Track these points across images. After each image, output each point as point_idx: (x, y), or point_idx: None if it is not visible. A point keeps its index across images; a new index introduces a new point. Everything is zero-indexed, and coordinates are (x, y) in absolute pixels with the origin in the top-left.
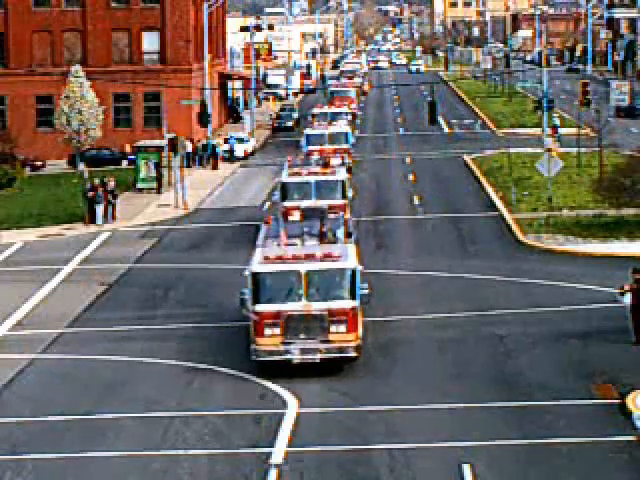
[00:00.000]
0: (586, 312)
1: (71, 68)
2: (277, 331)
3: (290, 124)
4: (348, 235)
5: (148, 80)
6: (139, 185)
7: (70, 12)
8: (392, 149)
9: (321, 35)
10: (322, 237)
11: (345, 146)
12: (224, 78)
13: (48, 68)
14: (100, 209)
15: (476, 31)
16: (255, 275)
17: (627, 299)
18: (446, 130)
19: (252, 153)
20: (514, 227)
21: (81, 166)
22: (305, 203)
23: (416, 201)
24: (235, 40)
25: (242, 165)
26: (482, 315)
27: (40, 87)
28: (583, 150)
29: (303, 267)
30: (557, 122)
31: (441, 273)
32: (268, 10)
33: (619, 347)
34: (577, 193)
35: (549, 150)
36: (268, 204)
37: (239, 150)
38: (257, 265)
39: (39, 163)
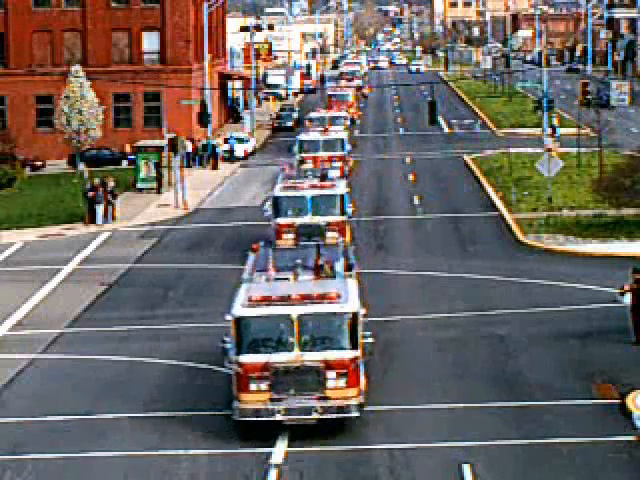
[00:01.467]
0: (586, 312)
1: (71, 68)
2: (264, 386)
3: (290, 124)
4: (348, 268)
5: (148, 80)
6: (139, 185)
7: (70, 12)
8: (392, 149)
9: (321, 35)
10: (318, 271)
11: (340, 153)
12: (224, 78)
13: (48, 68)
14: (100, 209)
15: (476, 31)
16: (238, 320)
17: (627, 299)
18: (446, 130)
19: (252, 153)
20: (514, 227)
21: (81, 166)
22: (300, 220)
23: (416, 201)
24: (235, 40)
25: (242, 165)
26: (482, 315)
27: (40, 87)
28: (583, 150)
29: (295, 310)
30: (555, 122)
31: (441, 273)
32: (268, 10)
33: (619, 347)
34: (577, 193)
35: (549, 150)
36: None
37: (239, 150)
38: (240, 308)
39: (39, 163)
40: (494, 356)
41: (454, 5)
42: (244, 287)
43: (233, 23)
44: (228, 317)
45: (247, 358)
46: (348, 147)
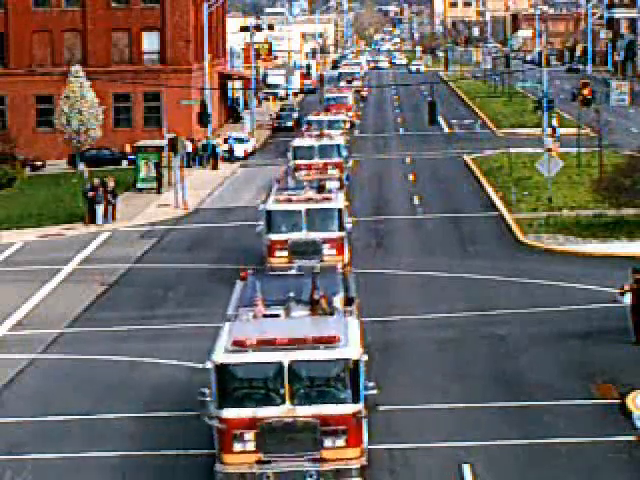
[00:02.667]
0: (586, 312)
1: (71, 68)
2: (250, 446)
3: (290, 124)
4: (348, 301)
5: (148, 80)
6: (139, 185)
7: (70, 12)
8: (392, 149)
9: (321, 35)
10: (313, 305)
11: (337, 160)
12: (224, 78)
13: (48, 68)
14: (100, 209)
15: (476, 31)
16: (220, 368)
17: (627, 299)
18: (446, 130)
19: (252, 153)
20: (514, 227)
21: (81, 166)
22: (294, 236)
23: (416, 201)
24: (235, 40)
25: (242, 165)
26: (482, 315)
27: (40, 87)
28: (583, 150)
29: (286, 357)
30: (554, 122)
31: (441, 273)
32: (268, 10)
33: (619, 347)
34: (577, 193)
35: (549, 150)
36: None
37: (239, 150)
38: (222, 354)
39: (39, 163)
40: (494, 356)
41: (454, 5)
42: (228, 326)
43: (233, 23)
44: (208, 364)
45: (230, 412)
46: (345, 153)
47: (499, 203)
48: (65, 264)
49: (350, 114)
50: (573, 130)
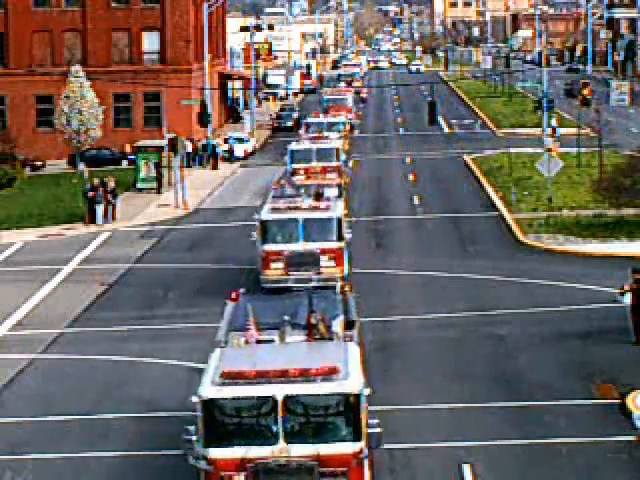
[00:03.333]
0: (586, 312)
1: (71, 68)
2: None
3: (290, 124)
4: (348, 325)
5: (148, 80)
6: (139, 185)
7: (70, 12)
8: (392, 149)
9: (321, 35)
10: (310, 330)
11: (335, 164)
12: (224, 78)
13: (48, 68)
14: (100, 209)
15: (476, 31)
16: (207, 404)
17: (627, 299)
18: (446, 130)
19: (252, 153)
20: (514, 227)
21: (81, 166)
22: (290, 247)
23: (416, 201)
24: (235, 40)
25: (242, 165)
26: (482, 315)
27: (40, 87)
28: (583, 150)
29: (280, 391)
30: (554, 122)
31: (441, 273)
32: (268, 10)
33: (619, 347)
34: (577, 193)
35: (549, 150)
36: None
37: (239, 150)
38: (210, 387)
39: (39, 163)
40: (494, 356)
41: (454, 5)
42: (217, 354)
43: (233, 23)
44: (194, 398)
45: (218, 452)
46: (344, 156)
47: (499, 203)
48: (65, 264)
49: (350, 116)
50: (573, 130)
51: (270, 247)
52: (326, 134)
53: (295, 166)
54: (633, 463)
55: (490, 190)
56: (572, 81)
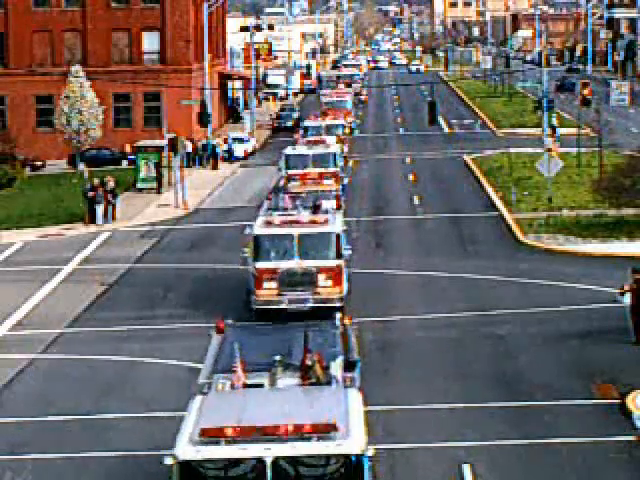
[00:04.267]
0: (586, 312)
1: (71, 68)
2: None
3: (290, 124)
4: (350, 366)
5: (148, 80)
6: (139, 185)
7: (70, 12)
8: (392, 149)
9: (321, 35)
10: (305, 373)
11: (333, 169)
12: (224, 78)
13: (48, 68)
14: (100, 209)
15: (476, 31)
16: (184, 466)
17: (627, 299)
18: (446, 130)
19: (252, 153)
20: (514, 227)
21: (81, 166)
22: (285, 264)
23: (416, 201)
24: (235, 40)
25: (242, 165)
26: (482, 315)
27: (40, 87)
28: (583, 150)
29: (269, 452)
30: (554, 122)
31: (441, 273)
32: (268, 10)
33: (619, 347)
34: (577, 193)
35: (549, 150)
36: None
37: (239, 150)
38: (187, 447)
39: (39, 163)
40: (494, 356)
41: (454, 5)
42: (197, 404)
43: (233, 23)
44: (167, 460)
45: None
46: (341, 162)
47: (499, 203)
48: (65, 264)
49: (349, 119)
50: (573, 130)
51: (263, 265)
52: (325, 137)
53: (290, 172)
54: (633, 463)
55: (490, 190)
56: (563, 77)
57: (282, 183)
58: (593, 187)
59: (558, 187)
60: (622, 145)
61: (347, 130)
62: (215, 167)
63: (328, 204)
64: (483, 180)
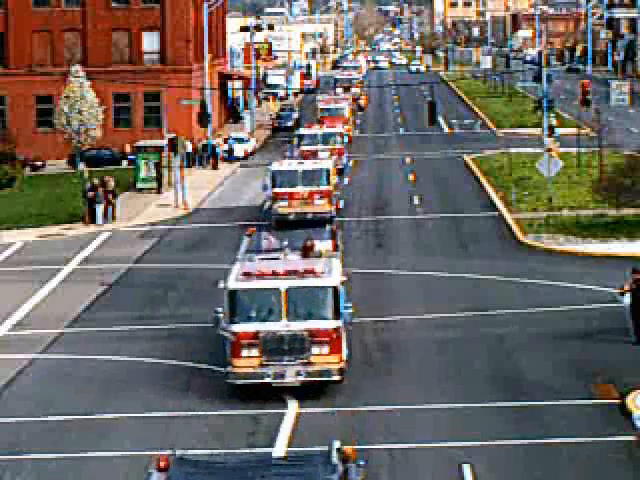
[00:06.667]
0: (586, 312)
1: (71, 68)
2: None
3: (290, 124)
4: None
5: (148, 80)
6: (139, 185)
7: (70, 12)
8: (392, 149)
9: (321, 35)
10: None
11: (325, 188)
12: (224, 78)
13: (48, 68)
14: (100, 209)
15: (476, 31)
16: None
17: (627, 299)
18: (446, 130)
19: (252, 153)
20: (514, 227)
21: (81, 166)
22: (268, 327)
23: (416, 201)
24: (235, 40)
25: (242, 165)
26: (482, 315)
27: (40, 87)
28: (583, 150)
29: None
30: (554, 122)
31: (441, 273)
32: (268, 10)
33: (619, 347)
34: (577, 193)
35: (549, 150)
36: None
37: (239, 150)
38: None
39: (39, 163)
40: (494, 356)
41: (454, 5)
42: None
43: (233, 23)
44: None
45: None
46: (335, 179)
47: (499, 203)
48: (65, 264)
49: (347, 127)
50: (573, 130)
51: (241, 328)
52: (319, 147)
53: (277, 190)
54: (633, 463)
55: (490, 190)
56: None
57: (267, 204)
58: (593, 187)
59: (558, 187)
60: (622, 145)
61: (344, 139)
62: (215, 167)
63: (322, 245)
64: (483, 180)
